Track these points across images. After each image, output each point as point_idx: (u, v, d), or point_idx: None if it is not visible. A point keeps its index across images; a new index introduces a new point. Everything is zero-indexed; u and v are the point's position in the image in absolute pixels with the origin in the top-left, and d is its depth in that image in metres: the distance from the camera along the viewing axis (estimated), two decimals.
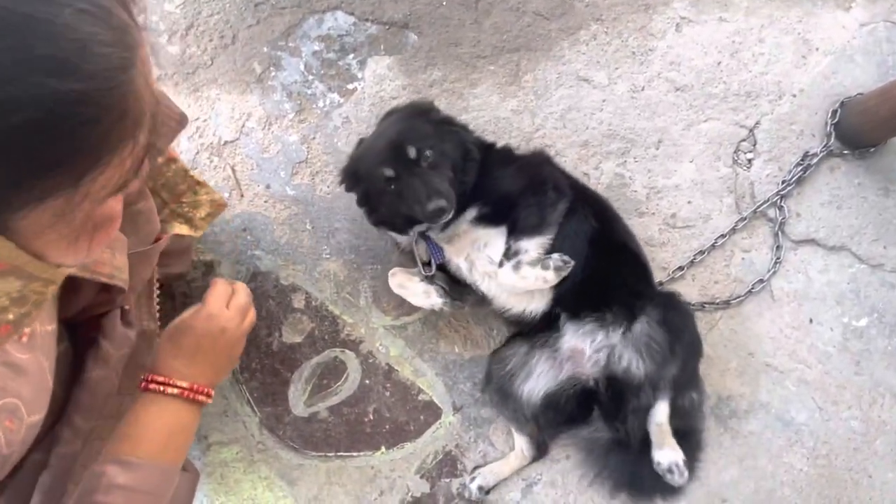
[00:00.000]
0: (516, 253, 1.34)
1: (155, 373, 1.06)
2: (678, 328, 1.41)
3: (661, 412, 1.40)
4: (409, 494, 1.54)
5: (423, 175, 1.27)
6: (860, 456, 1.59)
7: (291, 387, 1.57)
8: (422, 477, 1.54)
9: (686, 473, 1.42)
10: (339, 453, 1.54)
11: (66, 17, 0.49)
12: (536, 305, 1.43)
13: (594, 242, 1.41)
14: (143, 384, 1.05)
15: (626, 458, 1.49)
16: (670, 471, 1.41)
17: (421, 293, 1.46)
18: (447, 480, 1.55)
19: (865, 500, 1.57)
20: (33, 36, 0.48)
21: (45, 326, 0.88)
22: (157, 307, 1.22)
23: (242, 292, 1.22)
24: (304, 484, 1.54)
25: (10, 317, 0.68)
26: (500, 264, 1.35)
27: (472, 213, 1.38)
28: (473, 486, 1.51)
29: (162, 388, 1.04)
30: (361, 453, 1.55)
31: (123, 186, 0.62)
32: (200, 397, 1.08)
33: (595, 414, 1.47)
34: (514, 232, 1.36)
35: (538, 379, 1.48)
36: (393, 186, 1.29)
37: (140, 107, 0.57)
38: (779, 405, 1.59)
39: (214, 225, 1.62)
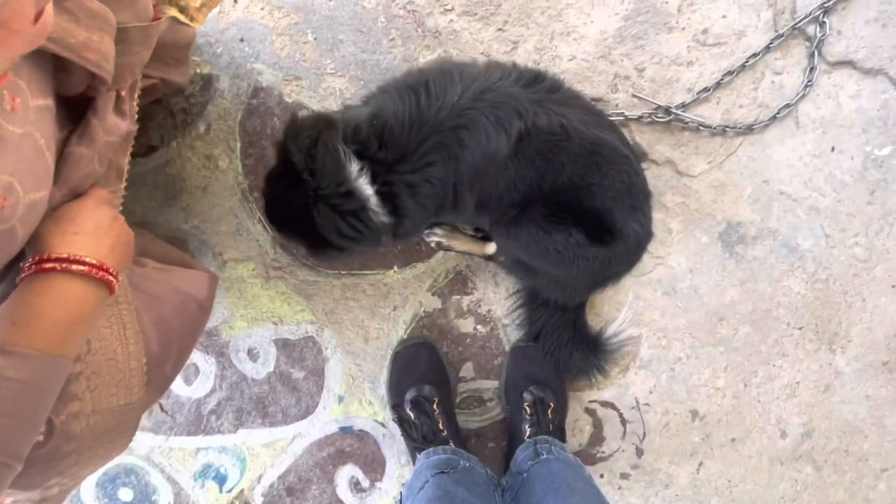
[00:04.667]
0: None
1: (49, 251, 0.87)
2: None
3: None
4: (422, 309, 1.60)
5: None
6: (858, 281, 1.64)
7: None
8: (434, 294, 1.60)
9: None
10: (352, 271, 1.58)
11: None
12: None
13: None
14: (36, 266, 0.86)
15: None
16: None
17: None
18: (458, 297, 1.60)
19: (855, 321, 1.65)
20: None
21: (37, 101, 0.81)
22: (137, 105, 1.11)
23: None
24: (319, 298, 1.60)
25: None
26: None
27: None
28: (434, 237, 1.53)
29: (63, 265, 0.86)
30: (374, 271, 1.58)
31: None
32: (110, 278, 0.90)
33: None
34: None
35: None
36: None
37: None
38: (787, 232, 1.61)
39: (209, 34, 1.49)
